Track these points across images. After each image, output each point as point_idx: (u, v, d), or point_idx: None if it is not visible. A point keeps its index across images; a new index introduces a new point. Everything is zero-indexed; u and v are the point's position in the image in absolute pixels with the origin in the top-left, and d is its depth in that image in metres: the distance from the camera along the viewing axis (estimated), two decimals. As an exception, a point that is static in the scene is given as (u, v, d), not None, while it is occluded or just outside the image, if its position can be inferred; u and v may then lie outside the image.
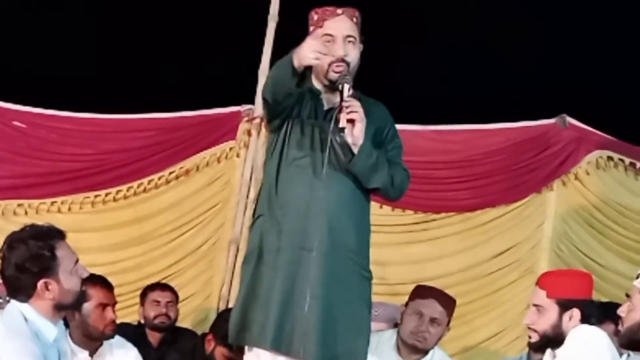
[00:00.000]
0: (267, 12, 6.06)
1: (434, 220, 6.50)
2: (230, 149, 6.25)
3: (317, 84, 4.06)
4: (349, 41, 3.98)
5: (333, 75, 3.96)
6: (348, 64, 3.96)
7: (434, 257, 6.46)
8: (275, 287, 3.89)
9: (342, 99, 3.88)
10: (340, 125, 3.85)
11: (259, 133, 6.18)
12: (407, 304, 5.03)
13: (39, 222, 3.59)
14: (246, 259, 4.05)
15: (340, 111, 3.87)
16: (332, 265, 3.88)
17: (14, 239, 3.47)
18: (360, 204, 4.05)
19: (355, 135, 3.87)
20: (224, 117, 6.24)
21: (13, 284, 3.45)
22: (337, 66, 3.95)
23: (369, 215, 4.10)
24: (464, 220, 6.50)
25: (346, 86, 3.88)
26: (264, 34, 6.06)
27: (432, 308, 4.95)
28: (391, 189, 4.05)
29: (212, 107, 6.23)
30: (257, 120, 6.15)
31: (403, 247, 6.44)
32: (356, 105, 3.86)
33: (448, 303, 5.03)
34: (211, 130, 6.25)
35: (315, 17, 4.06)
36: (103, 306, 4.61)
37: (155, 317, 5.84)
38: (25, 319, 3.39)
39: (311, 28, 4.05)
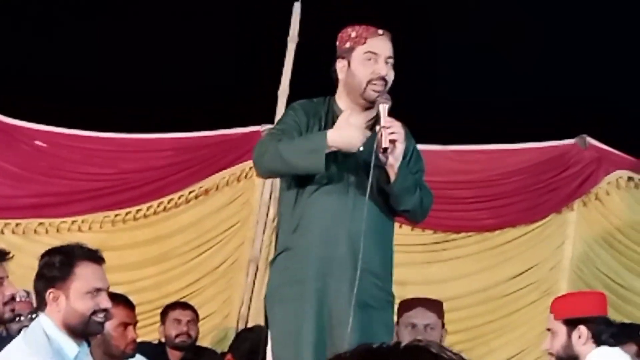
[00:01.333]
0: (286, 33, 6.09)
1: (454, 240, 6.48)
2: (250, 168, 6.25)
3: (342, 104, 3.99)
4: (388, 62, 3.95)
5: (371, 94, 3.89)
6: (387, 84, 3.96)
7: (453, 277, 6.44)
8: (306, 320, 3.83)
9: (382, 120, 3.85)
10: (383, 146, 3.78)
11: (278, 153, 6.19)
12: (397, 323, 4.95)
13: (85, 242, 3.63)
14: (271, 297, 3.98)
15: (380, 132, 3.80)
16: (358, 293, 3.83)
17: (47, 250, 3.53)
18: (386, 228, 4.01)
19: (396, 156, 3.82)
20: (243, 136, 6.25)
21: (34, 291, 3.50)
22: (375, 84, 3.90)
23: (392, 238, 4.08)
24: (484, 240, 6.49)
25: (386, 106, 3.83)
26: (283, 55, 6.08)
27: (422, 316, 4.92)
28: (419, 212, 3.99)
29: (232, 126, 6.25)
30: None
31: (422, 267, 6.43)
32: (397, 125, 3.81)
33: (435, 307, 4.99)
34: (231, 149, 6.26)
35: (354, 34, 3.98)
36: (125, 325, 4.61)
37: (176, 336, 5.84)
38: (48, 337, 3.40)
39: (346, 44, 3.97)
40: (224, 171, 6.25)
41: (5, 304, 4.01)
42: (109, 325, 4.53)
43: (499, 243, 6.52)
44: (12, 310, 4.10)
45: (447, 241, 6.48)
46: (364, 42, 3.96)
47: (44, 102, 6.03)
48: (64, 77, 6.21)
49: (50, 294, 3.41)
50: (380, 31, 3.98)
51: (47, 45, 6.35)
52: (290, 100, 5.73)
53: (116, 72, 6.28)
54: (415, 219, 4.10)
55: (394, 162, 3.83)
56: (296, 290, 3.86)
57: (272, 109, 6.08)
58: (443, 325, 4.98)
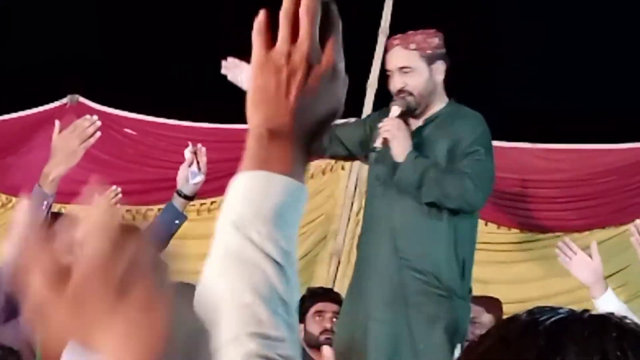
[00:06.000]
0: (377, 25, 6.05)
1: (540, 240, 6.39)
2: (336, 161, 6.24)
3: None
4: (405, 72, 4.06)
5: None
6: (410, 93, 4.01)
7: (539, 277, 6.35)
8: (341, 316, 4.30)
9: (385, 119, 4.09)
10: (374, 145, 4.05)
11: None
12: None
13: None
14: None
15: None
16: (396, 286, 3.89)
17: None
18: (430, 221, 4.06)
19: (394, 153, 4.01)
20: (330, 129, 6.24)
21: None
22: (395, 100, 4.17)
23: (447, 231, 4.08)
24: (572, 241, 6.38)
25: (394, 108, 4.06)
26: (373, 47, 6.05)
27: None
28: (449, 201, 4.04)
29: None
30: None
31: (507, 266, 6.35)
32: (389, 124, 4.02)
33: (488, 304, 5.00)
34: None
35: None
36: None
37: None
38: None
39: None
40: (309, 164, 6.24)
41: None
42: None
43: (587, 244, 6.38)
44: None
45: (532, 241, 6.40)
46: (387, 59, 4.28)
47: (134, 90, 6.10)
48: (154, 66, 6.26)
49: None
50: (396, 41, 4.15)
51: (137, 36, 6.41)
52: (378, 94, 5.70)
53: (206, 63, 6.32)
54: (450, 207, 4.11)
55: (395, 158, 4.04)
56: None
57: (360, 102, 6.05)
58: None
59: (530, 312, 1.14)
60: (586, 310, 1.15)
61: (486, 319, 4.96)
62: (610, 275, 6.35)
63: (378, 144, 4.05)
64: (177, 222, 4.65)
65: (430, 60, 4.19)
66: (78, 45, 6.37)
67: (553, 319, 1.11)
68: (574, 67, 6.38)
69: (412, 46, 4.16)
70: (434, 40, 4.26)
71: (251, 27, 1.15)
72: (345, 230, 6.21)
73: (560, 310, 1.14)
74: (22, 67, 6.34)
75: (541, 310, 1.14)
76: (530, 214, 6.22)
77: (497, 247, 6.27)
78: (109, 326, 0.71)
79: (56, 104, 6.36)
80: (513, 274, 6.34)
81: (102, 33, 6.38)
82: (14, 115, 6.41)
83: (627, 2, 6.44)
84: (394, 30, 5.99)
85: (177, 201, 4.71)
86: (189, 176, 4.72)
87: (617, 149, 6.40)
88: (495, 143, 5.85)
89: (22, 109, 6.43)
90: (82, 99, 6.35)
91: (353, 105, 6.10)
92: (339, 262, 6.19)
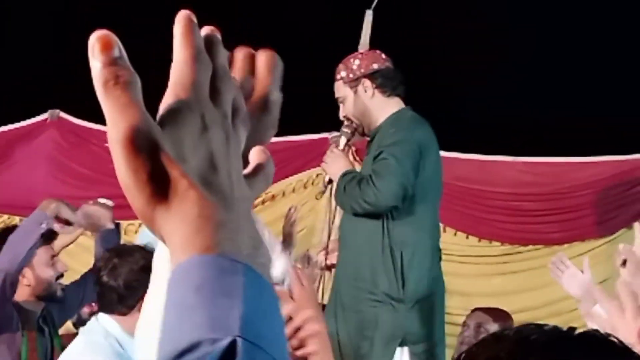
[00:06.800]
0: (357, 40, 6.07)
1: (520, 252, 6.41)
2: (317, 175, 6.25)
3: None
4: (340, 102, 4.32)
5: None
6: (350, 119, 4.38)
7: (519, 290, 6.37)
8: None
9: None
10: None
11: (345, 160, 6.18)
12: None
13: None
14: None
15: None
16: (336, 295, 4.34)
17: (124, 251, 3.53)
18: (366, 229, 4.30)
19: (332, 179, 4.42)
20: (311, 143, 6.25)
21: (125, 290, 3.43)
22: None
23: (382, 237, 4.17)
24: (551, 254, 6.36)
25: (340, 139, 4.45)
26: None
27: (477, 318, 4.95)
28: (356, 208, 4.30)
29: (301, 133, 6.25)
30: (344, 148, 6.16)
31: (488, 279, 6.37)
32: (325, 157, 4.49)
33: (496, 314, 5.05)
34: (299, 156, 6.27)
35: None
36: None
37: None
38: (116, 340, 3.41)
39: None
40: (291, 177, 6.26)
41: (57, 278, 4.15)
42: None
43: (567, 257, 6.42)
44: (63, 290, 4.24)
45: (513, 253, 6.42)
46: None
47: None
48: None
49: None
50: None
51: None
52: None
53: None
54: (360, 212, 4.32)
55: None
56: None
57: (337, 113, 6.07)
58: None
59: (518, 331, 1.15)
60: (573, 328, 1.15)
61: (493, 327, 5.02)
62: (591, 288, 6.39)
63: (321, 184, 4.53)
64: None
65: (352, 84, 4.36)
66: (58, 60, 6.36)
67: (543, 338, 1.12)
68: (557, 81, 6.43)
69: (338, 77, 4.45)
70: (354, 63, 4.40)
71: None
72: (327, 243, 6.21)
73: (546, 328, 1.15)
74: (1, 83, 6.33)
75: (528, 327, 1.15)
76: (512, 227, 6.24)
77: (478, 260, 6.29)
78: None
79: (37, 119, 6.35)
80: (494, 287, 6.35)
81: (83, 47, 6.37)
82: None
83: (610, 16, 6.49)
84: (375, 44, 6.03)
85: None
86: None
87: (597, 162, 6.43)
88: (475, 157, 5.89)
89: (3, 124, 6.42)
90: (62, 114, 6.34)
91: (334, 119, 6.12)
92: (321, 275, 6.19)
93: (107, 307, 3.44)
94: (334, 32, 6.28)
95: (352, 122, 4.38)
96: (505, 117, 6.08)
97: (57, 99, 6.33)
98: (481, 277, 6.31)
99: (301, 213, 6.34)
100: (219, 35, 0.87)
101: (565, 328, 1.16)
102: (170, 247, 0.79)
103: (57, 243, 4.38)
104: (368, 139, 4.45)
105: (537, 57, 6.50)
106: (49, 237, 4.32)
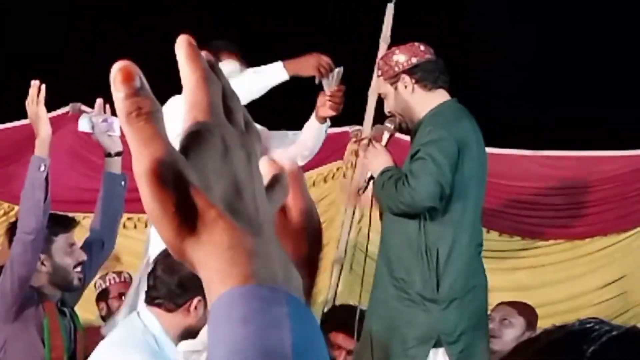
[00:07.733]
0: (379, 34, 6.06)
1: (541, 247, 6.40)
2: (337, 169, 6.26)
3: None
4: (383, 97, 4.39)
5: None
6: (393, 114, 4.37)
7: (539, 285, 6.36)
8: None
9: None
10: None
11: (366, 154, 6.18)
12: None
13: None
14: None
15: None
16: (378, 292, 4.33)
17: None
18: (402, 229, 4.26)
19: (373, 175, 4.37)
20: (332, 137, 6.23)
21: (173, 285, 3.37)
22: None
23: (417, 237, 4.19)
24: (572, 249, 6.38)
25: (384, 134, 4.40)
26: (374, 56, 6.05)
27: (502, 311, 4.95)
28: (393, 208, 4.26)
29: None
30: (365, 142, 6.15)
31: (508, 273, 6.35)
32: (362, 155, 4.56)
33: (521, 308, 5.06)
34: (319, 150, 6.26)
35: None
36: None
37: None
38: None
39: None
40: (311, 171, 6.25)
41: (74, 267, 4.16)
42: None
43: (588, 252, 6.40)
44: (80, 279, 4.25)
45: (533, 248, 6.40)
46: None
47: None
48: (155, 74, 6.27)
49: (196, 301, 3.32)
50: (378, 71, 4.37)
51: (141, 41, 6.43)
52: (380, 102, 5.71)
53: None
54: (397, 212, 4.28)
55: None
56: None
57: (361, 110, 6.06)
58: (531, 328, 4.95)
59: (581, 322, 1.16)
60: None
61: (517, 321, 5.02)
62: (610, 283, 6.36)
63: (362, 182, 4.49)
64: (122, 183, 4.66)
65: (392, 80, 4.34)
66: (80, 53, 6.38)
67: (604, 329, 1.12)
68: (578, 74, 6.41)
69: (379, 73, 4.48)
70: (392, 60, 4.37)
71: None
72: (347, 238, 6.21)
73: (612, 324, 1.16)
74: (24, 75, 6.35)
75: (590, 321, 1.16)
76: (532, 221, 6.22)
77: (499, 254, 6.27)
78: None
79: (58, 112, 6.37)
80: (514, 281, 6.34)
81: (103, 41, 6.39)
82: (16, 123, 6.41)
83: (610, 16, 6.47)
84: (395, 37, 6.02)
85: (112, 165, 4.67)
86: (102, 128, 4.66)
87: (618, 156, 6.40)
88: (497, 150, 5.87)
89: (24, 117, 6.43)
90: (84, 107, 6.36)
91: (354, 113, 6.12)
92: (341, 270, 6.19)
93: (153, 299, 3.38)
94: (354, 25, 6.28)
95: (392, 117, 4.37)
96: (525, 111, 6.08)
97: (79, 92, 6.35)
98: (501, 272, 6.30)
99: (321, 207, 6.35)
100: (212, 58, 0.88)
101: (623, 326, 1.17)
102: (205, 279, 0.80)
103: None
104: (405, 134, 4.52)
105: (556, 50, 6.48)
106: (68, 225, 4.35)
